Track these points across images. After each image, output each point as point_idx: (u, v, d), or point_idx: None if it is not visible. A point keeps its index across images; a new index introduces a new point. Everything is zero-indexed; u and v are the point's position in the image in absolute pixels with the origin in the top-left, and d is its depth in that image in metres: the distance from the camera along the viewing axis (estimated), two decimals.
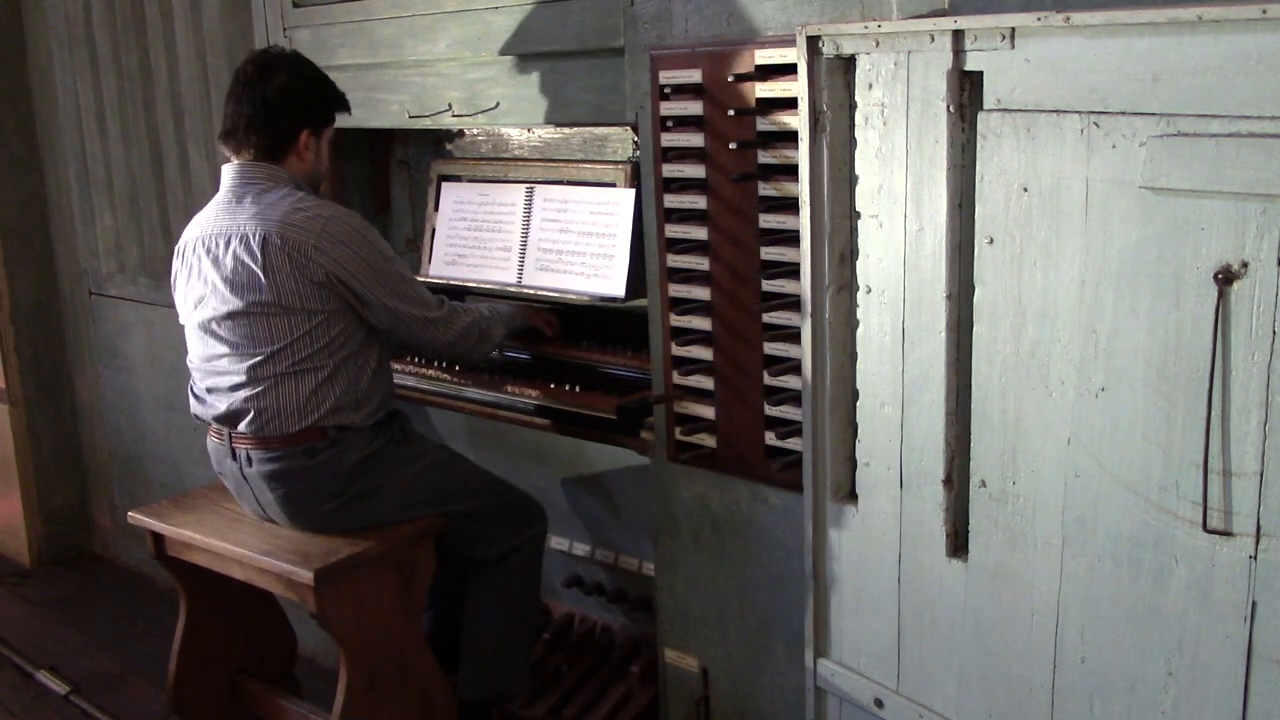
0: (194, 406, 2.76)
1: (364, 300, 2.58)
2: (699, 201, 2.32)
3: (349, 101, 2.79)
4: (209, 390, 2.69)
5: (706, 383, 2.39)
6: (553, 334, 2.95)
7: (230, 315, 2.58)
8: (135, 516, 2.90)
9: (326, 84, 2.73)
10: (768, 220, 2.22)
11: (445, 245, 3.25)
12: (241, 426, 2.62)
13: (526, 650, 2.90)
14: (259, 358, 2.57)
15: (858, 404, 2.03)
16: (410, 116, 2.97)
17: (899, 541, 1.98)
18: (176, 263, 2.73)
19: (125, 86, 3.93)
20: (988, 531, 1.82)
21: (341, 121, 2.79)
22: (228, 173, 2.67)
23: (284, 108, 2.63)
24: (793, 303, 2.17)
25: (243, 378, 2.59)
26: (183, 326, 2.75)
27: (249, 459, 2.64)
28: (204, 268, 2.62)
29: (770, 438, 2.29)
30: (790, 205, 2.15)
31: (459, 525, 2.76)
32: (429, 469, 2.73)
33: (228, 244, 2.57)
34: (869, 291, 1.96)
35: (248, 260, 2.54)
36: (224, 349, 2.62)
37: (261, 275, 2.53)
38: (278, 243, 2.51)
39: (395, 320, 2.63)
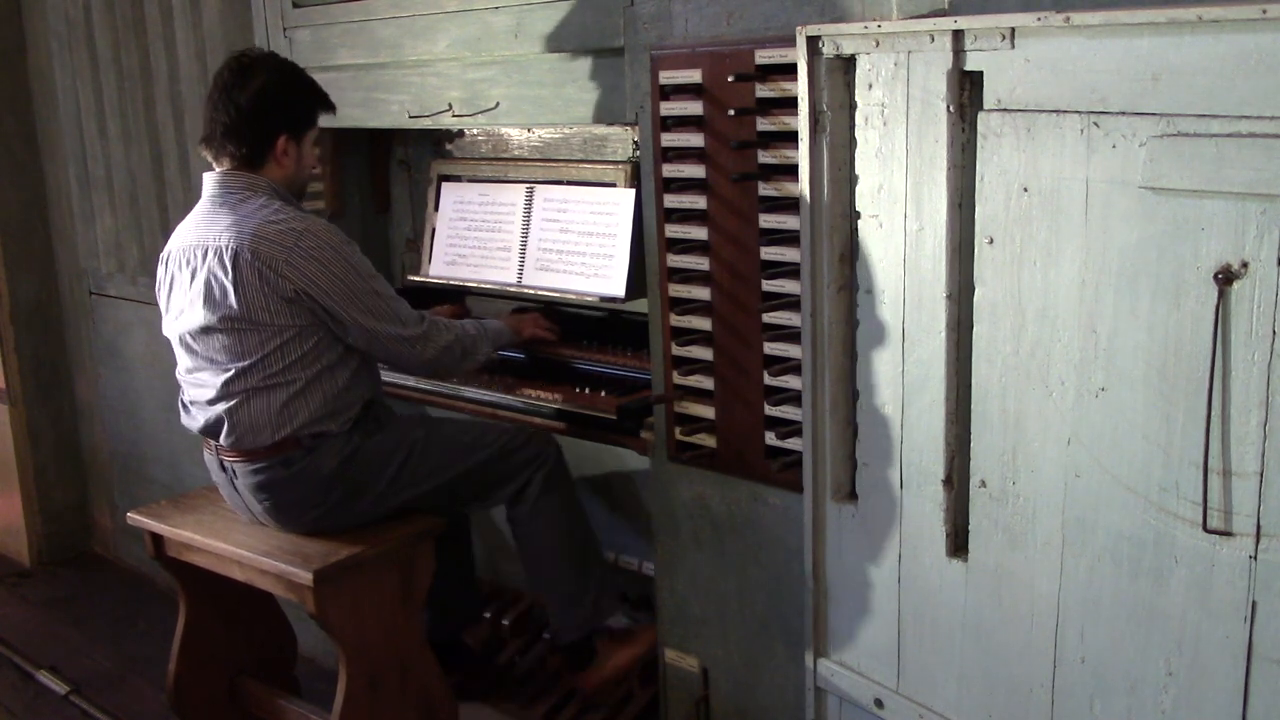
0: (183, 417, 2.76)
1: (337, 318, 2.54)
2: (699, 201, 2.32)
3: (334, 101, 2.73)
4: (192, 402, 2.70)
5: (706, 383, 2.39)
6: (554, 339, 2.94)
7: (204, 329, 2.58)
8: (134, 517, 2.90)
9: (305, 86, 2.67)
10: (768, 220, 2.22)
11: (445, 245, 3.25)
12: (220, 440, 2.63)
13: (599, 569, 2.81)
14: (231, 372, 2.57)
15: (858, 404, 2.03)
16: (410, 116, 2.97)
17: (899, 541, 1.98)
18: (160, 271, 2.71)
19: (125, 86, 3.93)
20: (988, 531, 1.82)
21: (342, 121, 2.79)
22: (208, 181, 2.65)
23: (259, 115, 2.59)
24: (793, 303, 2.17)
25: (219, 391, 2.59)
26: (168, 337, 2.74)
27: (235, 471, 2.65)
28: (183, 280, 2.62)
29: (770, 438, 2.29)
30: (790, 205, 2.15)
31: (463, 488, 2.73)
32: (410, 455, 2.68)
33: (204, 257, 2.55)
34: (869, 291, 1.96)
35: (219, 274, 2.52)
36: (200, 363, 2.63)
37: (231, 289, 2.50)
38: (248, 257, 2.48)
39: (370, 339, 2.58)
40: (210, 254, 2.54)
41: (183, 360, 2.69)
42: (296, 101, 2.66)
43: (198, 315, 2.58)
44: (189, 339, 2.62)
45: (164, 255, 2.71)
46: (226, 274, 2.51)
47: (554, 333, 2.95)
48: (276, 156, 2.62)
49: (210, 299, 2.54)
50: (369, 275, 2.58)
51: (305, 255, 2.50)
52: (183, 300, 2.63)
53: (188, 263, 2.60)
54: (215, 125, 2.61)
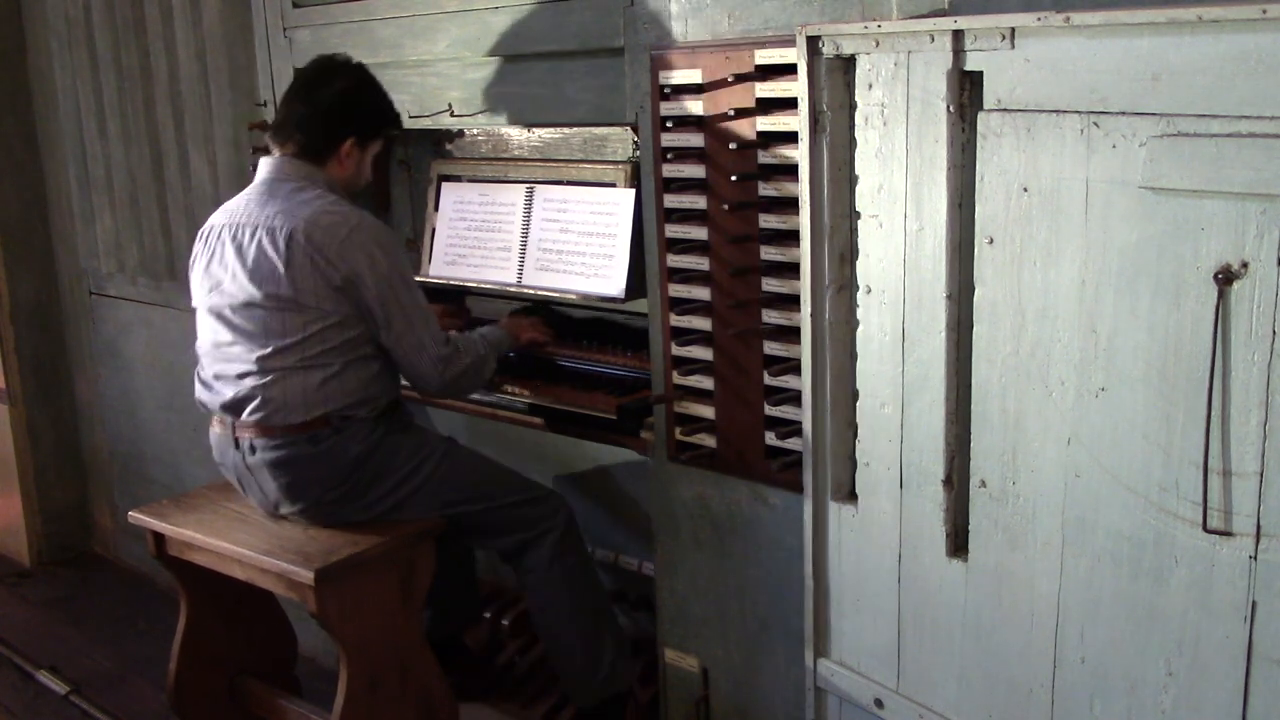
0: (199, 392, 2.76)
1: (373, 315, 2.58)
2: (699, 201, 2.32)
3: (402, 121, 2.83)
4: (216, 376, 2.70)
5: (706, 383, 2.39)
6: (547, 341, 2.95)
7: (247, 304, 2.60)
8: (136, 516, 2.90)
9: (383, 100, 2.77)
10: (768, 220, 2.22)
11: (445, 245, 3.25)
12: (245, 414, 2.62)
13: (613, 635, 2.82)
14: (270, 349, 2.58)
15: (858, 404, 2.03)
16: (410, 116, 2.97)
17: (899, 541, 1.98)
18: (199, 245, 2.75)
19: (125, 86, 3.93)
20: (988, 531, 1.82)
21: None
22: (265, 165, 2.71)
23: (335, 112, 2.68)
24: (793, 303, 2.17)
25: (252, 367, 2.60)
26: (194, 311, 2.76)
27: (252, 448, 2.64)
28: (226, 254, 2.64)
29: (770, 438, 2.29)
30: (790, 205, 2.15)
31: (467, 521, 2.75)
32: (427, 460, 2.70)
33: (254, 234, 2.59)
34: (869, 291, 1.96)
35: (271, 253, 2.56)
36: (236, 337, 2.64)
37: (282, 269, 2.54)
38: (302, 241, 2.53)
39: (398, 342, 2.61)
40: (262, 232, 2.58)
41: (214, 333, 2.69)
42: (372, 112, 2.76)
43: (241, 289, 2.60)
44: (228, 312, 2.64)
45: (204, 230, 2.75)
46: (280, 254, 2.54)
47: (550, 336, 2.96)
48: (340, 157, 2.70)
49: (258, 274, 2.57)
50: (411, 283, 2.63)
51: (357, 247, 2.55)
52: (223, 273, 2.65)
53: (234, 238, 2.63)
54: (290, 114, 2.70)
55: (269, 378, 2.59)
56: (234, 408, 2.65)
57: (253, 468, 2.67)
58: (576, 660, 2.79)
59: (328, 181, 2.68)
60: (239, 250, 2.61)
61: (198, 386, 2.77)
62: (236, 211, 2.67)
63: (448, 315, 3.13)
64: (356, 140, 2.71)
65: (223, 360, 2.68)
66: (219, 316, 2.67)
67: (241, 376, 2.63)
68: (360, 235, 2.56)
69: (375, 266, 2.56)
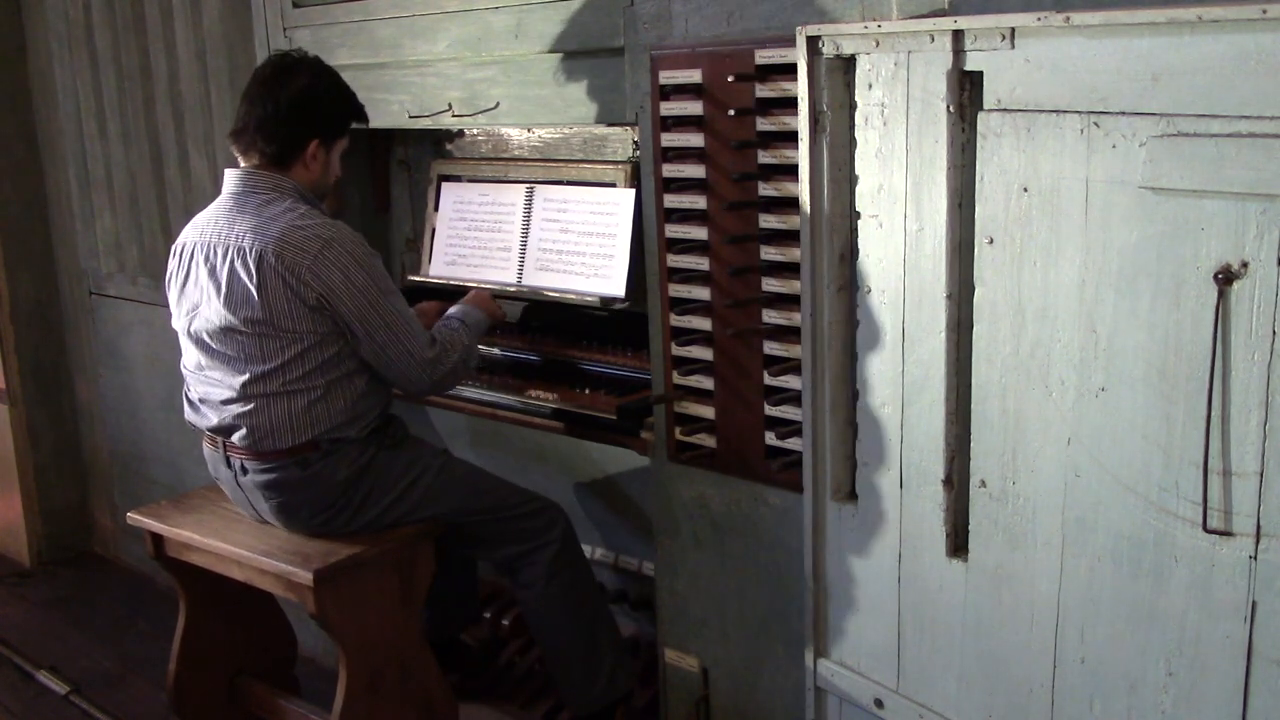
0: (188, 413, 2.74)
1: (353, 330, 2.53)
2: (699, 201, 2.32)
3: (367, 114, 2.75)
4: (201, 400, 2.67)
5: (706, 383, 2.39)
6: (503, 316, 2.95)
7: (224, 330, 2.55)
8: (135, 517, 2.90)
9: (344, 95, 2.67)
10: (768, 220, 2.22)
11: (445, 245, 3.25)
12: (234, 440, 2.61)
13: (611, 644, 2.82)
14: (250, 375, 2.54)
15: (858, 404, 2.03)
16: (410, 116, 2.97)
17: (899, 541, 1.98)
18: (173, 263, 2.69)
19: (125, 86, 3.93)
20: (988, 531, 1.82)
21: None
22: (231, 177, 2.63)
23: (295, 115, 2.57)
24: (793, 303, 2.17)
25: (234, 393, 2.57)
26: (176, 330, 2.72)
27: (244, 469, 2.63)
28: (200, 276, 2.59)
29: (770, 438, 2.29)
30: (790, 205, 2.15)
31: (463, 531, 2.75)
32: (421, 476, 2.69)
33: (225, 255, 2.53)
34: (869, 291, 1.96)
35: (243, 276, 2.49)
36: (216, 362, 2.60)
37: (255, 293, 2.48)
38: (272, 261, 2.46)
39: (379, 354, 2.55)
40: (233, 253, 2.51)
41: (193, 356, 2.66)
42: (334, 108, 2.65)
43: (217, 313, 2.55)
44: (205, 336, 2.59)
45: (177, 247, 2.68)
46: (251, 277, 2.48)
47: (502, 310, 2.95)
48: (305, 160, 2.61)
49: (232, 299, 2.52)
50: (389, 291, 2.56)
51: (329, 264, 2.47)
52: (198, 295, 2.60)
53: (206, 259, 2.57)
54: (249, 118, 2.59)
55: (252, 405, 2.55)
56: (223, 433, 2.63)
57: (245, 486, 2.66)
58: (574, 674, 2.79)
59: (296, 189, 2.59)
60: (212, 273, 2.55)
61: (186, 408, 2.74)
62: (206, 229, 2.60)
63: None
64: (321, 141, 2.61)
65: (206, 384, 2.64)
66: (198, 341, 2.62)
67: (225, 403, 2.59)
68: (332, 251, 2.48)
69: (351, 282, 2.49)
